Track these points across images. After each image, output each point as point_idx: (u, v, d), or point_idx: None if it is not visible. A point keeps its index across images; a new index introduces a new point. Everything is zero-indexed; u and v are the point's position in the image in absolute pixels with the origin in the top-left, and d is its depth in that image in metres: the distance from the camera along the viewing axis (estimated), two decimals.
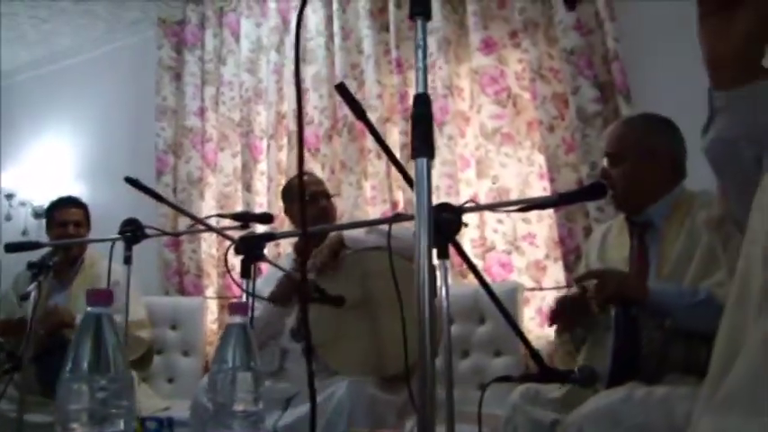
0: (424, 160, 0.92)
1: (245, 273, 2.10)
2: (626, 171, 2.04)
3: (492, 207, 2.22)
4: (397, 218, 1.83)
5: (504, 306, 1.65)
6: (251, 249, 2.10)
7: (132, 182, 2.02)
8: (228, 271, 2.19)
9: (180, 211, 2.22)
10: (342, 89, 1.46)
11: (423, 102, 0.94)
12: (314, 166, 3.55)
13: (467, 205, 1.77)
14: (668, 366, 1.70)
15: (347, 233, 2.59)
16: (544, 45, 3.01)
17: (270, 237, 2.05)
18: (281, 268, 2.42)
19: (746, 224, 0.93)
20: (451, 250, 1.74)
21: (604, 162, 2.11)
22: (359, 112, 1.47)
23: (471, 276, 2.99)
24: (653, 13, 2.88)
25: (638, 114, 2.31)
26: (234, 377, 1.23)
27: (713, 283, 1.78)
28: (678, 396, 1.46)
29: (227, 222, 2.52)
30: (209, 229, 2.26)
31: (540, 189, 3.02)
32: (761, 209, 0.89)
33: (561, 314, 1.97)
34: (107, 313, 1.03)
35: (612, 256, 2.10)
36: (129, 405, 0.97)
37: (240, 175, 3.81)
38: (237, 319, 1.28)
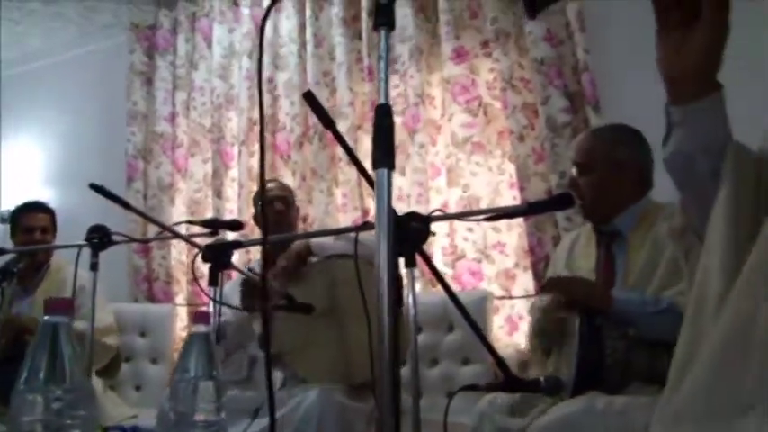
0: (385, 171, 0.92)
1: (213, 280, 2.09)
2: (594, 181, 2.06)
3: (460, 216, 2.23)
4: (365, 226, 1.82)
5: (470, 315, 1.65)
6: (218, 257, 2.09)
7: (97, 188, 1.99)
8: (196, 279, 2.18)
9: (145, 217, 2.20)
10: (309, 98, 1.46)
11: (384, 112, 0.95)
12: (285, 173, 3.54)
13: (434, 214, 1.77)
14: (632, 375, 1.72)
15: (315, 240, 2.58)
16: (515, 55, 3.03)
17: (236, 244, 2.04)
18: (248, 275, 2.40)
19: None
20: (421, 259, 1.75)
21: (573, 172, 2.14)
22: (326, 120, 1.47)
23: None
24: (623, 25, 2.91)
25: (607, 125, 2.33)
26: (195, 386, 1.22)
27: (676, 292, 1.80)
28: (637, 406, 1.47)
29: (196, 229, 2.50)
30: (176, 236, 2.24)
31: (510, 198, 3.04)
32: (717, 221, 0.91)
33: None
34: (65, 322, 1.02)
35: (580, 264, 2.12)
36: (86, 415, 0.95)
37: (211, 182, 3.78)
38: (200, 328, 1.27)
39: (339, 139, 1.46)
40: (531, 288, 2.88)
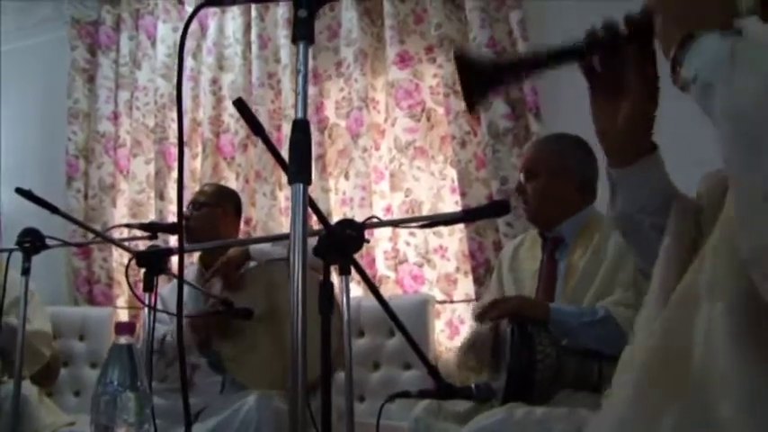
0: (301, 186, 0.92)
1: (147, 286, 2.06)
2: (538, 187, 2.12)
3: (395, 223, 2.24)
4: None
5: (401, 322, 1.66)
6: (153, 262, 2.06)
7: (23, 192, 1.94)
8: (130, 286, 2.15)
9: (76, 222, 2.15)
10: (239, 105, 1.45)
11: (301, 128, 0.94)
12: (228, 175, 3.51)
13: (369, 221, 1.78)
14: (562, 382, 1.75)
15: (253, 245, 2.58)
16: None
17: (170, 251, 2.01)
18: (190, 284, 2.39)
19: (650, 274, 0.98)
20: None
21: (521, 177, 2.18)
22: (257, 128, 1.46)
23: (383, 288, 3.03)
24: (564, 34, 2.95)
25: (555, 134, 2.39)
26: (117, 399, 1.21)
27: (611, 302, 1.86)
28: (556, 416, 1.50)
29: (138, 231, 2.47)
30: (107, 240, 2.20)
31: (451, 203, 3.06)
32: (657, 275, 0.93)
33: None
34: None
35: (524, 267, 2.17)
36: None
37: (153, 183, 3.72)
38: (123, 339, 1.26)
39: (269, 146, 1.45)
40: (472, 292, 2.91)
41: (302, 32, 0.97)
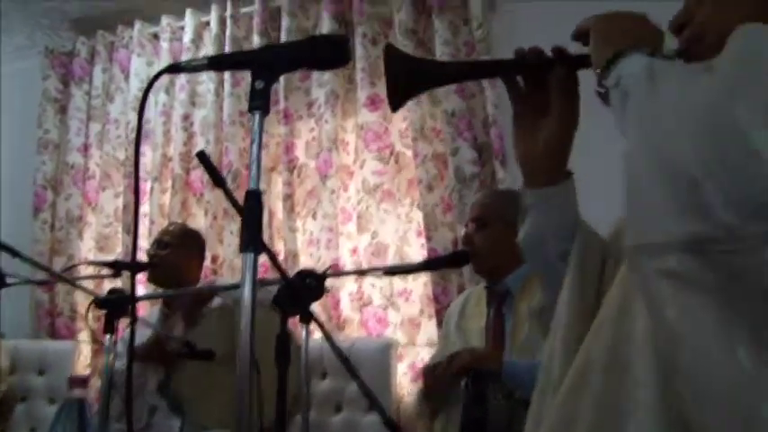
0: (251, 255, 0.94)
1: (109, 328, 2.05)
2: (490, 236, 2.15)
3: (355, 273, 2.27)
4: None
5: (353, 368, 1.68)
6: (115, 303, 2.06)
7: None
8: (90, 329, 2.14)
9: (38, 266, 2.14)
10: (202, 157, 1.46)
11: (254, 197, 0.97)
12: (197, 212, 3.51)
13: (329, 272, 1.80)
14: None
15: (220, 282, 2.60)
16: (427, 105, 3.11)
17: (127, 299, 2.01)
18: (147, 323, 2.38)
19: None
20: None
21: (469, 228, 2.21)
22: (218, 180, 1.47)
23: (347, 330, 3.04)
24: None
25: (502, 188, 2.45)
26: None
27: None
28: None
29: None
30: (68, 282, 2.19)
31: (417, 246, 3.08)
32: (561, 306, 0.97)
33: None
34: None
35: (471, 326, 2.19)
36: None
37: (121, 217, 3.70)
38: (76, 392, 1.26)
39: (230, 197, 1.46)
40: (435, 336, 2.92)
41: (258, 103, 1.00)
